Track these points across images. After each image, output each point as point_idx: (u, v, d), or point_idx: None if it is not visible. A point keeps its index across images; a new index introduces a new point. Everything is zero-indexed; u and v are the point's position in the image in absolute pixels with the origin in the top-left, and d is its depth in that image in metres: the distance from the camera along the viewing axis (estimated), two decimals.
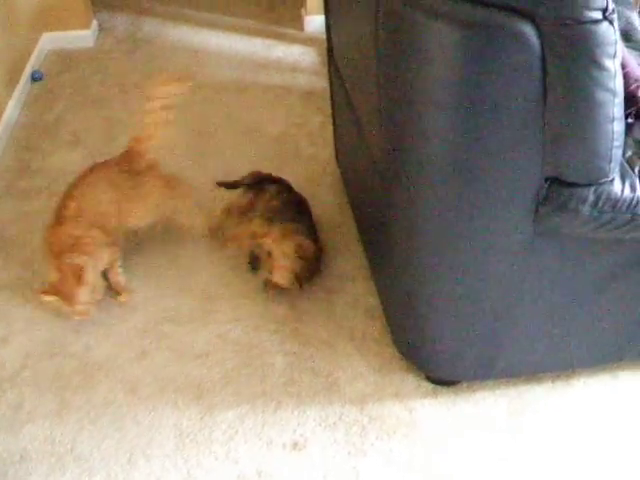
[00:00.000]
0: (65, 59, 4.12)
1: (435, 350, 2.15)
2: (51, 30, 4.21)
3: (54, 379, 2.32)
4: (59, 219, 2.40)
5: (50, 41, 4.22)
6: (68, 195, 2.45)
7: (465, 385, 2.25)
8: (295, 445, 2.12)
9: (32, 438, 2.17)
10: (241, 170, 3.08)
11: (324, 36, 4.01)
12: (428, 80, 1.65)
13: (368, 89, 1.99)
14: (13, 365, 2.37)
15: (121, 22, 4.50)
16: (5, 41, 3.55)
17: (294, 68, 3.89)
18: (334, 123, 2.94)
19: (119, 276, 2.59)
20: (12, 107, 3.55)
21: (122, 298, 2.57)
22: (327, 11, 2.71)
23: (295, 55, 4.01)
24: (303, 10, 4.29)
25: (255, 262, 2.65)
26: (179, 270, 2.69)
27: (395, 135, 1.83)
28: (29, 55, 3.96)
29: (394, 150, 1.86)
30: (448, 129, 1.69)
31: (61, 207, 2.43)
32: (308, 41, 4.14)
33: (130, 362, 2.36)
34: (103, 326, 2.49)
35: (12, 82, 3.64)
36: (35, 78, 3.87)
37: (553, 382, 2.27)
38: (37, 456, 2.12)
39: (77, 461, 2.10)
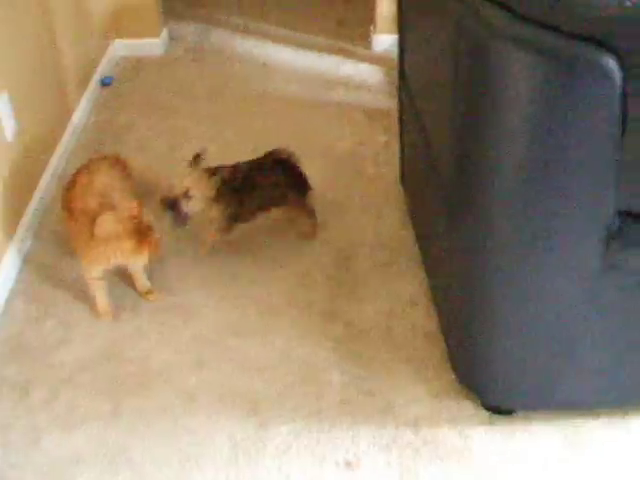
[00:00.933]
0: (135, 66, 4.17)
1: (493, 377, 2.12)
2: (122, 37, 4.28)
3: (110, 383, 2.33)
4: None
5: (121, 48, 4.29)
6: None
7: (521, 415, 2.21)
8: (348, 464, 2.10)
9: (86, 439, 2.17)
10: None
11: (392, 55, 4.04)
12: (506, 109, 1.64)
13: (442, 114, 1.98)
14: (71, 366, 2.39)
15: (190, 32, 4.56)
16: (78, 45, 3.61)
17: (361, 86, 3.89)
18: (401, 143, 2.93)
19: (143, 280, 2.63)
20: (81, 110, 3.61)
21: (152, 297, 2.62)
22: (401, 32, 2.71)
23: (363, 73, 4.01)
24: (372, 28, 4.29)
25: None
26: (242, 283, 2.70)
27: (467, 162, 1.82)
28: (100, 60, 4.02)
29: (465, 178, 1.84)
30: (522, 160, 1.68)
31: None
32: (376, 60, 4.14)
33: (188, 371, 2.36)
34: (162, 334, 2.50)
35: (83, 85, 3.70)
36: (105, 83, 3.93)
37: (610, 417, 2.22)
38: (90, 457, 2.12)
39: (129, 465, 2.10)
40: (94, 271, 2.51)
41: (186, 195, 2.54)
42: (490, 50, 1.61)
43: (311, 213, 2.83)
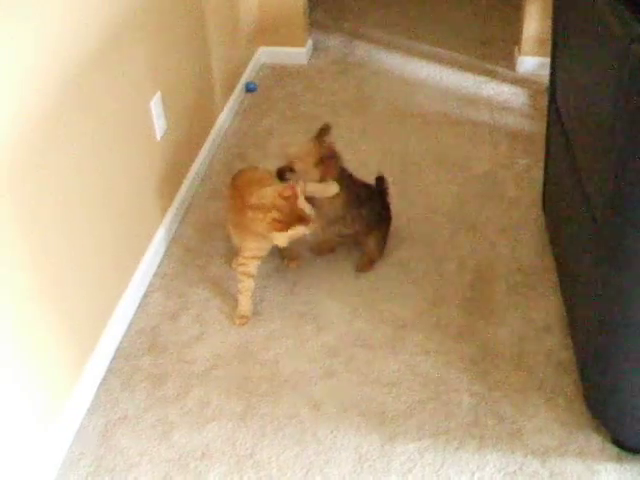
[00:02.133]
0: (279, 74, 4.24)
1: (626, 413, 2.06)
2: (268, 45, 4.36)
3: (242, 383, 2.37)
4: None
5: (266, 55, 4.37)
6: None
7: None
8: None
9: (215, 437, 2.21)
10: (442, 204, 3.08)
11: (536, 78, 4.01)
12: None
13: (597, 142, 1.93)
14: (204, 363, 2.44)
15: (335, 44, 4.60)
16: (225, 51, 3.69)
17: (503, 107, 3.84)
18: (545, 168, 2.88)
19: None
20: (226, 114, 3.69)
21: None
22: (554, 53, 2.67)
23: (505, 94, 3.97)
24: (516, 49, 4.24)
25: None
26: (375, 296, 2.70)
27: (623, 199, 1.77)
28: (246, 67, 4.10)
29: (619, 215, 1.79)
30: None
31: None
32: (519, 81, 4.09)
33: (317, 379, 2.38)
34: (294, 340, 2.52)
35: (228, 91, 3.78)
36: (249, 89, 4.00)
37: None
38: (217, 455, 2.16)
39: (255, 467, 2.12)
40: (252, 265, 2.56)
41: (291, 169, 2.57)
42: None
43: (381, 249, 2.83)
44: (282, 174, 2.58)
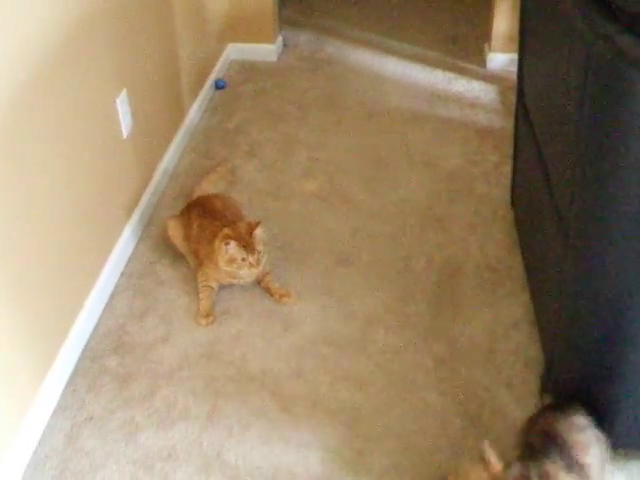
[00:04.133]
0: (248, 71, 4.22)
1: (595, 408, 2.05)
2: (237, 41, 4.33)
3: (209, 383, 2.35)
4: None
5: (235, 52, 4.35)
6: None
7: (622, 452, 2.12)
8: None
9: (181, 437, 2.19)
10: (411, 200, 3.08)
11: (507, 74, 4.01)
12: (635, 138, 1.59)
13: (563, 138, 1.93)
14: (171, 363, 2.42)
15: (305, 40, 4.59)
16: (193, 48, 3.66)
17: (473, 104, 3.84)
18: (514, 164, 2.88)
19: (274, 282, 2.68)
20: (195, 111, 3.66)
21: (290, 299, 2.65)
22: (522, 51, 2.67)
23: (475, 91, 3.97)
24: (486, 46, 4.25)
25: None
26: (342, 294, 2.69)
27: (588, 189, 1.76)
28: (215, 63, 4.07)
29: (586, 207, 1.79)
30: None
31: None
32: (489, 78, 4.09)
33: (285, 378, 2.37)
34: (262, 339, 2.51)
35: (197, 87, 3.75)
36: (219, 86, 3.98)
37: None
38: (184, 456, 2.14)
39: (222, 468, 2.11)
40: (212, 282, 2.63)
41: None
42: (623, 78, 1.57)
43: None
44: None
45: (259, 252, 2.54)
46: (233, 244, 2.50)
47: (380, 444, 2.17)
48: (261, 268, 2.59)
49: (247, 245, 2.52)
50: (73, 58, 2.34)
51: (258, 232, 2.56)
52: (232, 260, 2.53)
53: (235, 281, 2.64)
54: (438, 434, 2.20)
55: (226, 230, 2.54)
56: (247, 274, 2.58)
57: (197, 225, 2.68)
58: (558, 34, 2.04)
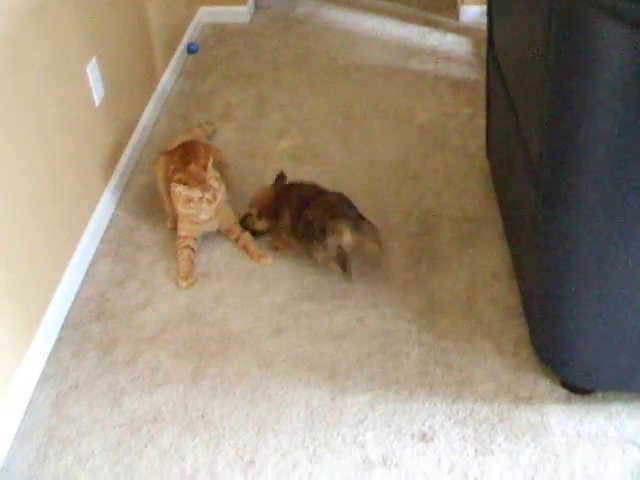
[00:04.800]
0: (220, 33, 4.20)
1: (573, 356, 2.09)
2: (208, 4, 4.30)
3: (191, 345, 2.37)
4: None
5: (207, 15, 4.33)
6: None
7: (600, 395, 2.17)
8: (423, 436, 2.09)
9: (166, 400, 2.21)
10: (386, 156, 3.08)
11: (479, 26, 4.00)
12: (601, 83, 1.60)
13: (532, 87, 1.94)
14: (153, 327, 2.43)
15: (277, 1, 4.55)
16: (164, 12, 3.64)
17: (447, 57, 3.84)
18: (487, 116, 2.88)
19: (250, 241, 2.71)
20: (168, 76, 3.65)
21: (268, 260, 2.66)
22: (490, 2, 2.66)
23: (449, 44, 3.96)
24: None
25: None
26: None
27: (558, 137, 1.77)
28: (187, 27, 4.05)
29: (555, 152, 1.80)
30: (616, 136, 1.64)
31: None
32: (463, 31, 4.09)
33: (266, 337, 2.38)
34: (242, 299, 2.52)
35: (169, 52, 3.74)
36: (191, 50, 3.96)
37: None
38: (170, 418, 2.16)
39: (207, 427, 2.13)
40: (190, 241, 2.66)
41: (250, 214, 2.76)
42: (585, 21, 1.57)
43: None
44: (246, 221, 2.77)
45: (214, 188, 2.58)
46: (181, 187, 2.54)
47: (360, 396, 2.19)
48: (218, 202, 2.62)
49: (200, 183, 2.55)
50: (41, 27, 2.33)
51: (209, 168, 2.59)
52: (189, 200, 2.56)
53: (201, 228, 2.67)
54: (419, 383, 2.22)
55: (178, 175, 2.57)
56: (206, 211, 2.60)
57: (173, 169, 2.70)
58: None
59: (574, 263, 1.90)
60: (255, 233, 2.74)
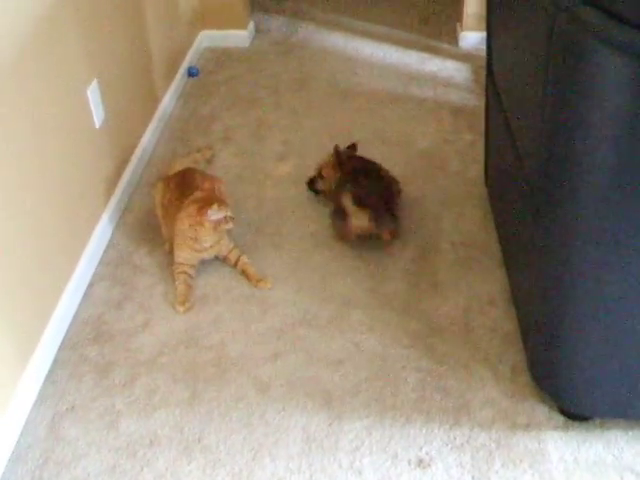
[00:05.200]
0: (220, 57, 4.22)
1: (571, 382, 2.08)
2: (209, 28, 4.32)
3: (188, 369, 2.36)
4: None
5: (207, 39, 4.35)
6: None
7: (598, 422, 2.17)
8: (420, 462, 2.09)
9: (162, 424, 2.20)
10: None
11: (479, 53, 4.02)
12: (599, 112, 1.61)
13: (530, 113, 1.95)
14: (151, 351, 2.43)
15: (277, 25, 4.59)
16: (165, 36, 3.66)
17: (447, 83, 3.86)
18: (486, 142, 2.90)
19: (249, 265, 2.70)
20: (168, 99, 3.66)
21: (267, 284, 2.66)
22: (490, 29, 2.68)
23: (449, 70, 3.98)
24: (459, 26, 4.26)
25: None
26: (319, 275, 2.71)
27: (555, 164, 1.78)
28: (187, 51, 4.07)
29: (552, 179, 1.81)
30: (615, 165, 1.65)
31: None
32: (462, 57, 4.11)
33: (263, 361, 2.38)
34: (240, 323, 2.52)
35: (170, 75, 3.75)
36: (191, 73, 3.98)
37: None
38: (166, 442, 2.15)
39: (204, 452, 2.12)
40: (187, 267, 2.66)
41: (320, 176, 3.02)
42: (584, 51, 1.58)
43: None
44: (312, 182, 3.05)
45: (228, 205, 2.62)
46: (213, 210, 2.54)
47: (357, 422, 2.19)
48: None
49: (221, 202, 2.58)
50: (42, 49, 2.34)
51: (223, 188, 2.70)
52: (219, 223, 2.59)
53: (200, 256, 2.67)
54: (416, 409, 2.22)
55: (198, 204, 2.58)
56: (212, 237, 2.62)
57: (169, 197, 2.72)
58: (522, 9, 2.06)
59: (572, 290, 1.90)
60: (317, 192, 3.05)
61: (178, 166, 2.95)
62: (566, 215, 1.80)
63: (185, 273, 2.63)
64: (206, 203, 2.56)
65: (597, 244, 1.78)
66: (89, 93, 2.71)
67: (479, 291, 2.60)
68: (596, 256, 1.80)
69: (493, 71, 2.66)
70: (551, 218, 1.86)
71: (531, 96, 1.93)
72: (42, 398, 2.29)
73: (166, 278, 2.69)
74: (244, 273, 2.68)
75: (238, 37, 4.33)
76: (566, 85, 1.66)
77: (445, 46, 4.25)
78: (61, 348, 2.44)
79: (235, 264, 2.70)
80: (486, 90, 2.81)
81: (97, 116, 2.78)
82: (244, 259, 2.70)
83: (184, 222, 2.58)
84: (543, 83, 1.77)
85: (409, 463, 2.08)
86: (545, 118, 1.78)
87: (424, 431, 2.16)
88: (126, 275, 2.72)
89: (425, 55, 4.17)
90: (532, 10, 1.90)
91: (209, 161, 3.24)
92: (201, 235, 2.58)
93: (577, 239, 1.81)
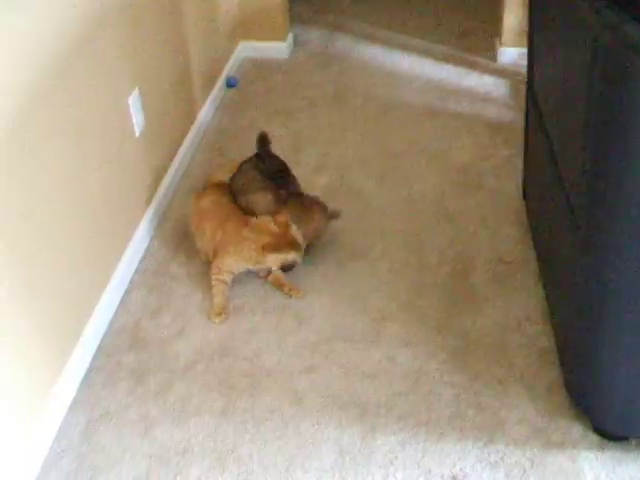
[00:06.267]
0: (259, 68, 4.24)
1: (607, 402, 2.07)
2: (248, 39, 4.35)
3: (223, 379, 2.37)
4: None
5: (246, 49, 4.37)
6: None
7: (634, 443, 2.14)
8: (453, 478, 2.07)
9: (196, 432, 2.21)
10: (422, 195, 3.08)
11: (517, 68, 4.02)
12: None
13: (573, 132, 1.93)
14: (186, 359, 2.44)
15: (316, 37, 4.60)
16: (205, 46, 3.68)
17: (484, 98, 3.85)
18: (525, 158, 2.88)
19: (281, 274, 2.72)
20: (207, 109, 3.68)
21: (298, 293, 2.68)
22: (531, 44, 2.67)
23: (486, 85, 3.97)
24: (497, 41, 4.25)
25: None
26: (356, 288, 2.70)
27: (599, 185, 1.77)
28: (226, 62, 4.09)
29: (596, 200, 1.80)
30: None
31: None
32: (500, 72, 4.10)
33: (298, 374, 2.38)
34: (276, 335, 2.52)
35: (209, 86, 3.77)
36: (230, 84, 4.00)
37: None
38: (199, 450, 2.16)
39: (236, 462, 2.12)
40: (226, 275, 2.67)
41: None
42: (629, 68, 1.57)
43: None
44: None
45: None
46: (274, 256, 2.66)
47: (391, 436, 2.18)
48: None
49: (293, 246, 2.67)
50: (86, 57, 2.37)
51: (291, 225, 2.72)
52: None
53: (246, 266, 2.70)
54: (450, 425, 2.21)
55: (274, 239, 2.66)
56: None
57: (218, 208, 2.79)
58: (565, 25, 2.05)
59: (611, 309, 1.88)
60: None
61: (217, 176, 2.96)
62: (607, 234, 1.79)
63: (223, 282, 2.63)
64: (281, 245, 2.65)
65: (638, 263, 1.76)
66: (130, 101, 2.73)
67: (516, 307, 2.58)
68: (636, 275, 1.78)
69: (534, 87, 2.65)
70: (591, 236, 1.85)
71: (573, 113, 1.92)
72: (77, 404, 2.31)
73: (203, 287, 2.70)
74: (277, 282, 2.68)
75: (277, 48, 4.35)
76: (611, 105, 1.65)
77: (483, 61, 4.24)
78: (97, 354, 2.46)
79: (267, 275, 2.71)
80: (526, 106, 2.80)
81: (137, 124, 2.80)
82: (277, 271, 2.71)
83: (250, 239, 2.66)
84: (586, 100, 1.76)
85: (442, 479, 2.07)
86: (589, 137, 1.77)
87: (458, 447, 2.15)
88: (163, 283, 2.73)
89: (463, 70, 4.16)
90: (575, 27, 1.89)
91: None
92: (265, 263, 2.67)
93: (619, 261, 1.79)
